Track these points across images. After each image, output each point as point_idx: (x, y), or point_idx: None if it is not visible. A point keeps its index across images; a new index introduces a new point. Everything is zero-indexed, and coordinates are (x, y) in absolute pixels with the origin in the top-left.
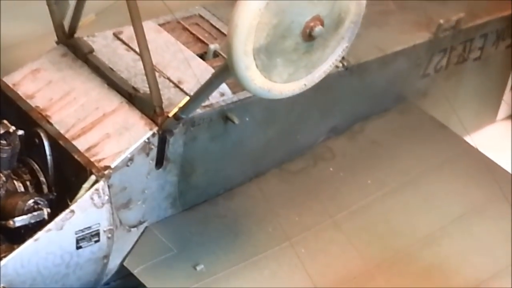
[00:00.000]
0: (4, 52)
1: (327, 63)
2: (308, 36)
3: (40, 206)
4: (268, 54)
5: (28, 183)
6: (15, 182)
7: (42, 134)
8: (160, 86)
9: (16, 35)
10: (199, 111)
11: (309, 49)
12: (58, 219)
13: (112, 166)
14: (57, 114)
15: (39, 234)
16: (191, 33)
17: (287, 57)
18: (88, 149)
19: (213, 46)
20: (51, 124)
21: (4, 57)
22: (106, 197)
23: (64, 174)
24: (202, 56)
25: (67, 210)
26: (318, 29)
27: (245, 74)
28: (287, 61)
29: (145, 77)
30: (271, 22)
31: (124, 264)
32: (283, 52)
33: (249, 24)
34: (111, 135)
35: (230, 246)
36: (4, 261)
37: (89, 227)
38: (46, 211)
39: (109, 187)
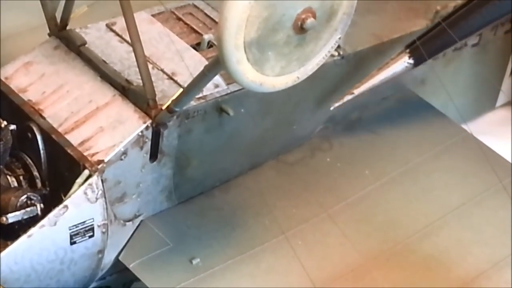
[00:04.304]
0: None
1: (320, 55)
2: (300, 29)
3: (33, 201)
4: (259, 47)
5: (21, 178)
6: (8, 177)
7: (35, 128)
8: (153, 78)
9: (12, 26)
10: (193, 103)
11: (301, 42)
12: (51, 214)
13: (106, 160)
14: (50, 108)
15: (33, 230)
16: (185, 23)
17: (279, 50)
18: (82, 143)
19: (207, 37)
20: (44, 118)
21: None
22: (100, 192)
23: (57, 169)
24: (196, 47)
25: (61, 206)
26: (310, 21)
27: (236, 68)
28: (279, 54)
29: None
30: (261, 15)
31: (120, 258)
32: (274, 45)
33: (239, 18)
34: (104, 128)
35: (226, 239)
36: None
37: (83, 222)
38: (39, 207)
39: (103, 181)
